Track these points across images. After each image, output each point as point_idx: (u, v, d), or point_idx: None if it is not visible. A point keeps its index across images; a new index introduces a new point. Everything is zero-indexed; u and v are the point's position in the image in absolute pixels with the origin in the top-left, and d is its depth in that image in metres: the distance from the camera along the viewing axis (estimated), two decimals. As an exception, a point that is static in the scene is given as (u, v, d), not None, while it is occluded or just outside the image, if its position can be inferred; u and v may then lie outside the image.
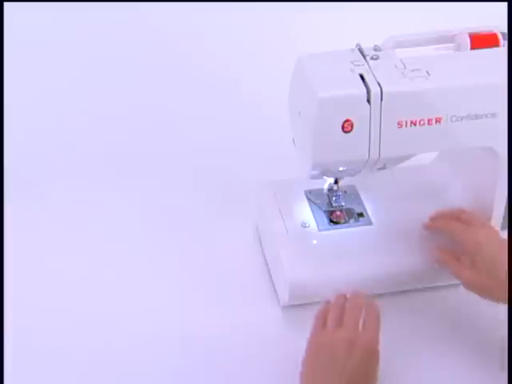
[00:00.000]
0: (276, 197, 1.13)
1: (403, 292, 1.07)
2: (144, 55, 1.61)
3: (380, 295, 1.03)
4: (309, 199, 1.12)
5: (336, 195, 1.11)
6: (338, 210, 1.10)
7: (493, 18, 1.03)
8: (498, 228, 1.04)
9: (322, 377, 0.85)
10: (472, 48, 0.99)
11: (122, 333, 1.02)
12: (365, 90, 0.92)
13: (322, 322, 0.92)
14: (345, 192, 1.12)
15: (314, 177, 1.01)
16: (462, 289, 0.99)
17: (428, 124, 0.95)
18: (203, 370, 0.98)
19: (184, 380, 0.97)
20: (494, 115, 0.96)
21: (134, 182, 1.28)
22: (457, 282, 1.00)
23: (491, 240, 0.96)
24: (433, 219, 1.05)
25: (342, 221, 1.09)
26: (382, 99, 0.92)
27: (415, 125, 0.94)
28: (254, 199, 1.15)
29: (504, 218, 1.04)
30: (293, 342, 0.94)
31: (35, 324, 1.04)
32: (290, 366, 0.91)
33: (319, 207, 1.11)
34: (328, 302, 0.95)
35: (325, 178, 1.07)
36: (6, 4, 1.48)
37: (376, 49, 0.98)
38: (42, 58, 1.59)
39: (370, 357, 0.88)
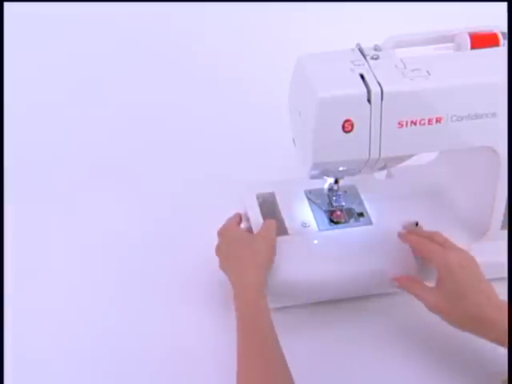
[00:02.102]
0: (276, 197, 1.13)
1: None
2: (144, 55, 1.61)
3: (381, 295, 1.03)
4: (309, 199, 1.12)
5: (336, 195, 1.11)
6: (338, 210, 1.10)
7: (493, 18, 1.03)
8: (498, 228, 1.05)
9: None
10: (472, 48, 0.99)
11: (121, 335, 1.02)
12: (365, 90, 0.92)
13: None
14: (345, 192, 1.12)
15: (314, 177, 1.01)
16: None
17: (428, 124, 0.94)
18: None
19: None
20: (494, 115, 0.96)
21: (133, 182, 1.28)
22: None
23: (461, 265, 0.93)
24: (408, 233, 1.03)
25: (343, 221, 1.09)
26: (382, 99, 0.92)
27: (415, 124, 0.94)
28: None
29: (504, 217, 1.04)
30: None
31: (35, 324, 1.04)
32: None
33: (319, 207, 1.11)
34: None
35: (325, 177, 1.07)
36: (5, 4, 1.48)
37: (376, 48, 0.98)
38: (42, 57, 1.59)
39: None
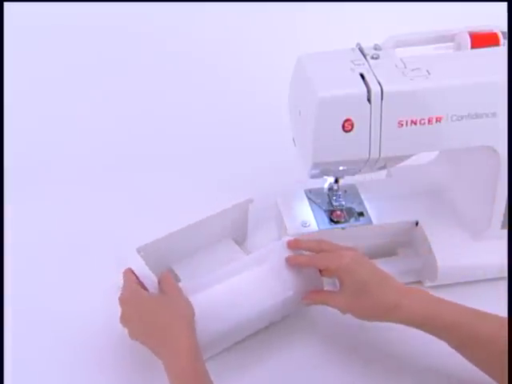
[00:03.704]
0: (276, 196, 1.13)
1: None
2: (143, 55, 1.61)
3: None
4: (309, 198, 1.12)
5: (336, 194, 1.11)
6: (338, 210, 1.10)
7: (493, 18, 1.03)
8: (498, 227, 1.05)
9: None
10: (472, 47, 0.99)
11: (122, 335, 1.01)
12: (365, 90, 0.92)
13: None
14: (345, 191, 1.12)
15: (314, 176, 1.01)
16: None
17: (428, 123, 0.95)
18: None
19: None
20: (494, 114, 0.96)
21: (134, 182, 1.28)
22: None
23: (357, 262, 0.95)
24: (294, 257, 1.00)
25: (343, 220, 1.09)
26: (382, 98, 0.92)
27: (415, 124, 0.94)
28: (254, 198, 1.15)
29: (504, 217, 1.04)
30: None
31: (35, 324, 1.04)
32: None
33: (319, 206, 1.11)
34: None
35: (325, 177, 1.07)
36: (5, 4, 1.48)
37: (376, 48, 0.98)
38: (42, 57, 1.59)
39: None
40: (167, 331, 0.89)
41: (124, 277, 0.98)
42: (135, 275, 0.98)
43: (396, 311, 0.91)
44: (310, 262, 0.99)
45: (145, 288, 0.97)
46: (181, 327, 0.89)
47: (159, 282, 0.96)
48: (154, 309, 0.92)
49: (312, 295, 1.00)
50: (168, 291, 0.94)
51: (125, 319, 0.95)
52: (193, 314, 0.92)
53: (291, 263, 1.00)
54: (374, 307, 0.93)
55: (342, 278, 0.95)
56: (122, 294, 0.96)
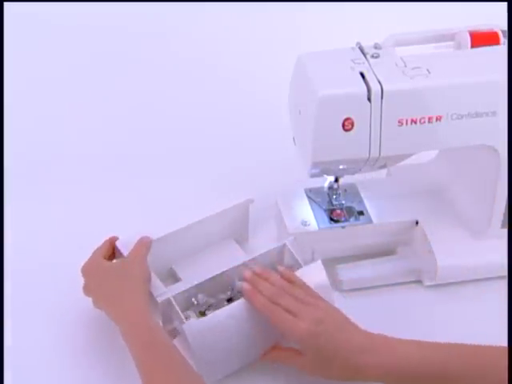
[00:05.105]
0: (276, 195, 1.13)
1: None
2: (143, 54, 1.61)
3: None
4: (309, 197, 1.12)
5: (336, 193, 1.11)
6: (338, 209, 1.10)
7: (493, 18, 1.03)
8: (498, 226, 1.05)
9: None
10: (472, 46, 0.99)
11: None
12: (365, 89, 0.92)
13: None
14: (345, 190, 1.12)
15: (314, 175, 1.01)
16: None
17: (428, 122, 0.95)
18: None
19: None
20: (494, 113, 0.96)
21: (134, 182, 1.28)
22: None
23: (314, 334, 0.86)
24: (252, 293, 0.92)
25: (343, 219, 1.09)
26: (382, 97, 0.92)
27: (416, 123, 0.94)
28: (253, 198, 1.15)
29: (504, 216, 1.04)
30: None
31: (35, 324, 1.04)
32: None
33: (319, 205, 1.11)
34: None
35: (325, 176, 1.07)
36: (5, 4, 1.48)
37: (376, 47, 0.98)
38: (42, 57, 1.59)
39: None
40: (119, 295, 0.94)
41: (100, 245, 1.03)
42: (116, 246, 1.03)
43: (366, 372, 0.86)
44: (265, 310, 0.90)
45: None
46: (130, 289, 0.93)
47: (136, 243, 1.01)
48: (110, 276, 0.97)
49: (272, 355, 0.94)
50: (130, 255, 0.99)
51: (87, 289, 0.99)
52: (145, 276, 0.97)
53: (246, 295, 0.92)
54: (341, 374, 0.87)
55: (301, 346, 0.89)
56: (84, 264, 1.01)
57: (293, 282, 0.94)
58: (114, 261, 1.03)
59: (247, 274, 0.94)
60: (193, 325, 0.91)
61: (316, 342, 0.86)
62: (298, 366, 0.91)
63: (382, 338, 0.88)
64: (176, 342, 0.95)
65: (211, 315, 0.92)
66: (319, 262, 0.98)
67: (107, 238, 1.04)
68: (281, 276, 0.95)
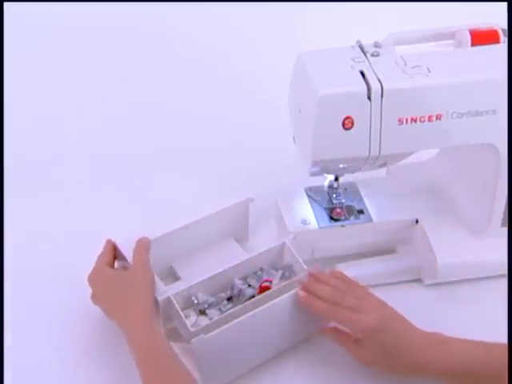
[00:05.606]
0: (276, 194, 1.13)
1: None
2: (143, 54, 1.61)
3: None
4: (309, 196, 1.12)
5: (336, 192, 1.11)
6: (338, 207, 1.10)
7: (493, 18, 1.03)
8: (498, 225, 1.05)
9: None
10: (472, 44, 0.99)
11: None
12: (365, 87, 0.92)
13: None
14: (345, 189, 1.12)
15: (314, 174, 1.01)
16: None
17: (428, 121, 0.95)
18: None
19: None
20: (494, 112, 0.96)
21: (134, 182, 1.28)
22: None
23: (383, 325, 0.90)
24: (310, 301, 0.93)
25: (343, 218, 1.09)
26: (382, 96, 0.93)
27: (416, 122, 0.94)
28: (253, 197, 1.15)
29: (504, 214, 1.04)
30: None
31: (35, 324, 1.04)
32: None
33: (319, 204, 1.11)
34: None
35: (325, 175, 1.07)
36: (5, 4, 1.48)
37: (376, 45, 0.98)
38: (42, 57, 1.59)
39: None
40: (122, 304, 0.94)
41: (100, 252, 1.02)
42: (117, 249, 1.03)
43: (428, 367, 0.89)
44: (327, 314, 0.93)
45: (125, 260, 1.01)
46: (134, 299, 0.93)
47: (135, 246, 1.01)
48: (114, 285, 0.97)
49: (332, 332, 0.96)
50: (133, 262, 0.98)
51: (94, 298, 1.00)
52: (149, 282, 0.96)
53: (304, 305, 0.94)
54: (401, 367, 0.91)
55: (365, 339, 0.92)
56: (90, 273, 1.00)
57: (347, 282, 0.97)
58: (116, 265, 1.03)
59: (303, 281, 0.96)
60: (201, 341, 0.90)
61: (382, 336, 0.90)
62: (354, 355, 0.94)
63: (438, 335, 0.92)
64: (177, 345, 0.95)
65: (218, 331, 0.92)
66: None
67: (106, 240, 1.04)
68: (333, 277, 0.97)
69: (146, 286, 0.96)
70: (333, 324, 0.96)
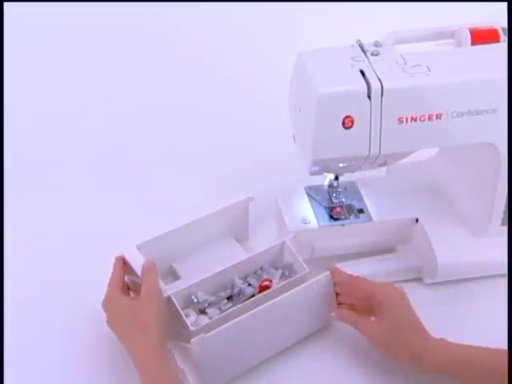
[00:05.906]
0: (276, 194, 1.13)
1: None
2: (143, 54, 1.61)
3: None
4: (309, 195, 1.12)
5: (336, 191, 1.11)
6: (338, 206, 1.10)
7: (493, 18, 1.03)
8: (498, 224, 1.05)
9: None
10: (472, 43, 0.99)
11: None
12: (365, 86, 0.92)
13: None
14: (345, 188, 1.12)
15: (314, 173, 1.01)
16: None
17: (428, 120, 0.95)
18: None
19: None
20: (494, 111, 0.96)
21: (134, 181, 1.28)
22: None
23: (404, 299, 0.95)
24: (339, 273, 0.99)
25: (343, 217, 1.09)
26: (382, 95, 0.92)
27: (416, 121, 0.94)
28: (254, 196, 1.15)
29: (504, 214, 1.04)
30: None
31: (35, 324, 1.04)
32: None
33: (319, 203, 1.11)
34: None
35: (325, 174, 1.07)
36: (5, 4, 1.48)
37: (376, 44, 0.98)
38: (42, 57, 1.59)
39: None
40: (131, 334, 0.93)
41: (112, 273, 1.00)
42: (126, 263, 1.01)
43: (425, 356, 0.90)
44: (357, 282, 0.98)
45: (135, 275, 0.99)
46: (143, 330, 0.92)
47: (142, 271, 0.98)
48: (124, 314, 0.95)
49: (343, 312, 0.98)
50: (142, 290, 0.95)
51: (109, 324, 0.98)
52: (160, 312, 0.94)
53: (335, 277, 0.98)
54: (407, 352, 0.92)
55: (383, 309, 0.93)
56: (104, 299, 0.99)
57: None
58: (126, 279, 1.01)
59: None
60: (201, 340, 0.90)
61: (402, 304, 0.94)
62: (363, 329, 0.96)
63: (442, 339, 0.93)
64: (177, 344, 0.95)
65: (218, 330, 0.92)
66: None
67: (115, 257, 1.02)
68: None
69: (157, 316, 0.94)
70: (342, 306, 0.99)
